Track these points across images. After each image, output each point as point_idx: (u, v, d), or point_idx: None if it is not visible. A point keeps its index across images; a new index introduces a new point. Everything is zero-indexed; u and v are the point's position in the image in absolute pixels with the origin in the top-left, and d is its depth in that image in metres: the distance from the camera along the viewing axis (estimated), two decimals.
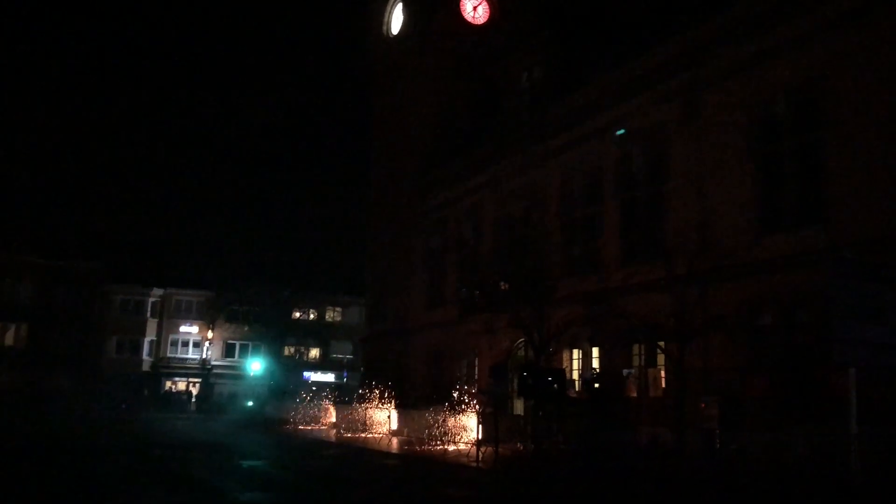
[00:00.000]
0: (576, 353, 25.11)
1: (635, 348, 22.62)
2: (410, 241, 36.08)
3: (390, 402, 30.67)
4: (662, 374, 21.31)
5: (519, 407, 26.58)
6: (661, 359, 21.19)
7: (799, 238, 17.64)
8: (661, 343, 19.81)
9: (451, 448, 23.20)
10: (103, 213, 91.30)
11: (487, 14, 36.94)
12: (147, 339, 61.36)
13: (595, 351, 24.13)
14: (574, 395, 23.49)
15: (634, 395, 22.14)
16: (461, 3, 36.76)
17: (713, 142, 20.42)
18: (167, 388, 61.15)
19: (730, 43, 20.22)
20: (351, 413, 32.92)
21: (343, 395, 39.44)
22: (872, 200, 16.30)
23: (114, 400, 52.06)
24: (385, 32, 40.39)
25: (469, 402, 24.87)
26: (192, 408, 57.07)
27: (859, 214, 16.48)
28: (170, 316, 62.03)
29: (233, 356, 62.92)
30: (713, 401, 17.87)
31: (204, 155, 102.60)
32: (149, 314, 61.48)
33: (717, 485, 14.84)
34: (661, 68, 22.41)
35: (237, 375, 60.95)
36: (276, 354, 60.92)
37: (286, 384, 56.88)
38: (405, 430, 28.54)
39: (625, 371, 22.67)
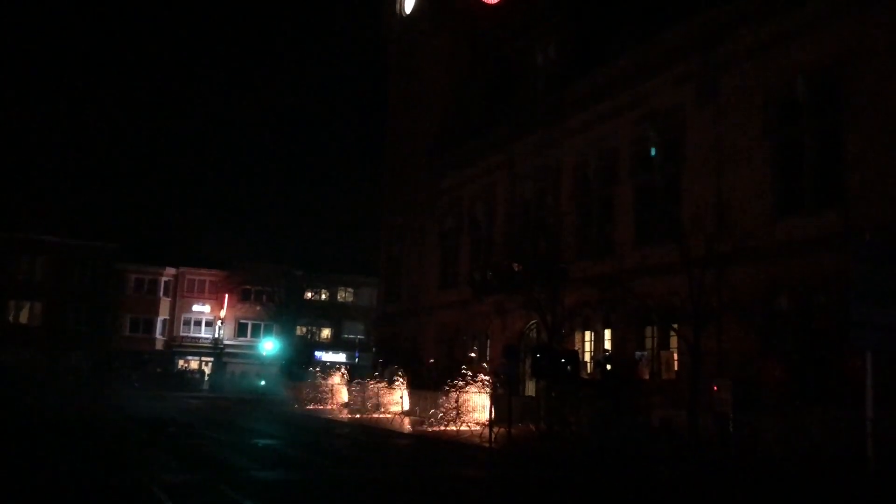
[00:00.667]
0: (588, 336, 25.08)
1: (648, 331, 22.58)
2: (424, 221, 36.06)
3: (403, 382, 30.80)
4: (675, 356, 21.26)
5: (531, 388, 26.62)
6: (674, 341, 21.14)
7: (817, 221, 17.49)
8: (675, 325, 19.74)
9: (464, 428, 23.29)
10: (118, 193, 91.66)
11: None
12: (160, 318, 61.77)
13: (608, 333, 24.09)
14: (587, 377, 23.49)
15: (647, 377, 22.11)
16: None
17: (730, 124, 20.22)
18: (180, 366, 61.63)
19: (748, 24, 19.96)
20: (363, 393, 33.06)
21: (355, 375, 39.62)
22: (891, 183, 16.12)
23: (127, 378, 52.59)
24: (399, 12, 40.17)
25: (481, 383, 24.93)
26: (205, 386, 57.55)
27: (878, 198, 16.30)
28: (183, 295, 62.37)
29: (245, 336, 63.28)
30: (727, 384, 17.78)
31: (219, 134, 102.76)
32: (162, 293, 61.84)
33: (731, 469, 14.83)
34: (678, 49, 22.17)
35: (249, 355, 61.33)
36: (288, 334, 61.20)
37: (298, 364, 57.19)
38: (417, 410, 28.67)
39: (637, 353, 22.63)
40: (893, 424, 13.53)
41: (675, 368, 21.17)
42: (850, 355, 15.44)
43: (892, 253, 14.05)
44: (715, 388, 17.92)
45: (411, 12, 38.94)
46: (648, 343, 22.54)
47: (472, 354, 30.57)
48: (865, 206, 16.46)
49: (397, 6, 40.28)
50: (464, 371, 26.06)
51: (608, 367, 23.33)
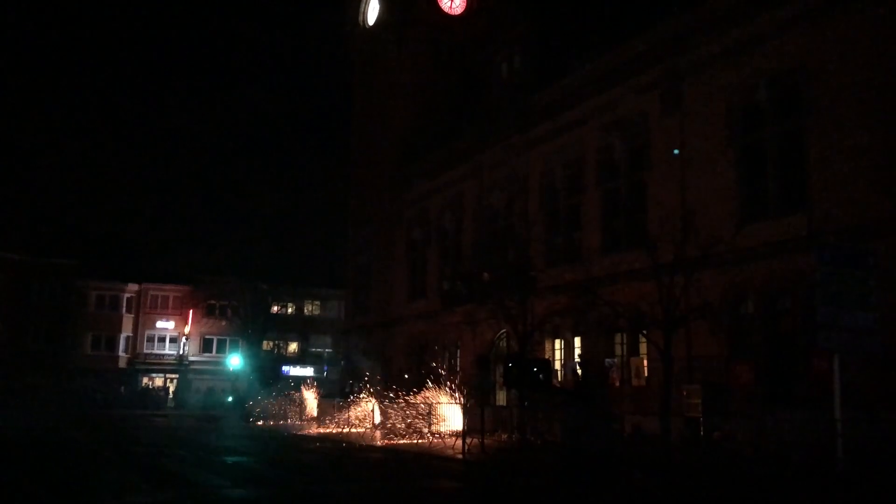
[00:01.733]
0: (559, 344, 25.14)
1: (618, 337, 22.70)
2: (392, 232, 35.92)
3: (373, 395, 30.51)
4: (645, 362, 21.38)
5: (502, 398, 26.58)
6: (643, 347, 21.27)
7: (782, 225, 17.75)
8: (645, 332, 19.85)
9: (436, 440, 23.13)
10: (78, 209, 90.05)
11: (464, 4, 36.76)
12: (123, 335, 60.59)
13: (577, 341, 24.17)
14: (558, 385, 23.51)
15: (618, 384, 22.21)
16: None
17: (695, 130, 20.47)
18: (144, 384, 60.48)
19: (710, 32, 20.25)
20: (333, 407, 32.71)
21: (324, 389, 39.22)
22: (855, 187, 16.41)
23: (90, 397, 51.45)
24: (362, 23, 40.08)
25: (453, 394, 24.80)
26: (171, 404, 56.53)
27: (841, 201, 16.59)
28: (146, 311, 61.28)
29: (210, 351, 62.33)
30: (696, 389, 17.94)
31: (179, 149, 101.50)
32: (124, 310, 60.68)
33: (703, 471, 14.89)
34: (641, 58, 22.42)
35: (216, 371, 60.40)
36: (255, 349, 60.41)
37: (266, 379, 56.48)
38: (388, 423, 28.40)
39: (607, 361, 22.73)
40: (861, 425, 13.72)
41: (646, 374, 21.29)
42: (816, 357, 15.63)
43: (855, 255, 14.29)
44: (685, 392, 18.06)
45: (374, 23, 38.88)
46: (618, 350, 22.65)
47: (443, 365, 30.39)
48: (829, 210, 16.74)
49: (360, 17, 40.19)
50: (435, 382, 25.90)
51: (579, 374, 23.40)
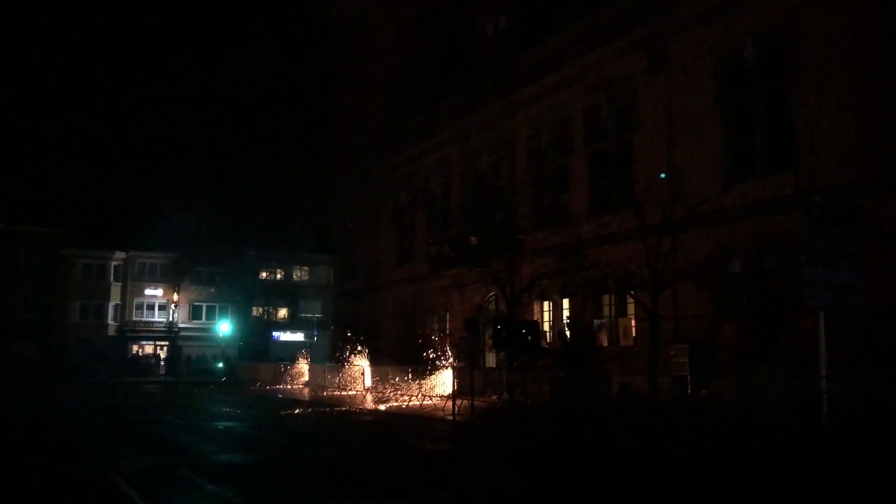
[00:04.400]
0: (547, 306, 25.24)
1: (605, 298, 22.80)
2: (378, 196, 35.77)
3: (363, 359, 30.67)
4: (633, 323, 21.52)
5: (491, 360, 26.75)
6: (631, 308, 21.38)
7: (769, 184, 17.75)
8: (632, 292, 19.94)
9: (427, 402, 23.31)
10: (61, 176, 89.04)
11: None
12: (111, 304, 60.43)
13: (566, 302, 24.27)
14: (547, 347, 23.66)
15: (605, 344, 22.37)
16: None
17: (681, 90, 20.35)
18: (134, 352, 60.54)
19: None
20: (324, 371, 32.88)
21: (314, 354, 39.38)
22: (841, 145, 16.39)
23: (80, 365, 51.48)
24: None
25: (442, 356, 24.93)
26: (161, 371, 56.66)
27: (828, 159, 16.58)
28: (134, 279, 61.08)
29: (200, 318, 62.34)
30: (684, 348, 18.05)
31: (164, 113, 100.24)
32: (112, 278, 60.44)
33: (690, 429, 15.08)
34: (627, 16, 22.19)
35: (205, 337, 60.52)
36: (244, 315, 60.48)
37: (256, 344, 56.65)
38: (379, 386, 28.62)
39: (596, 321, 22.86)
40: (846, 382, 13.88)
41: (633, 335, 21.44)
42: (802, 316, 15.76)
43: (842, 214, 14.33)
44: (672, 352, 18.19)
45: None
46: (606, 311, 22.78)
47: (432, 329, 30.52)
48: (816, 168, 16.75)
49: None
50: (424, 345, 26.02)
51: (567, 335, 23.54)
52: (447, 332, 29.55)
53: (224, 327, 59.06)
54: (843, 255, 13.83)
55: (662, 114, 20.83)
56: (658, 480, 11.12)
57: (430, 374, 24.96)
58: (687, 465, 12.35)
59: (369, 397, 26.98)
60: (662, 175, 19.72)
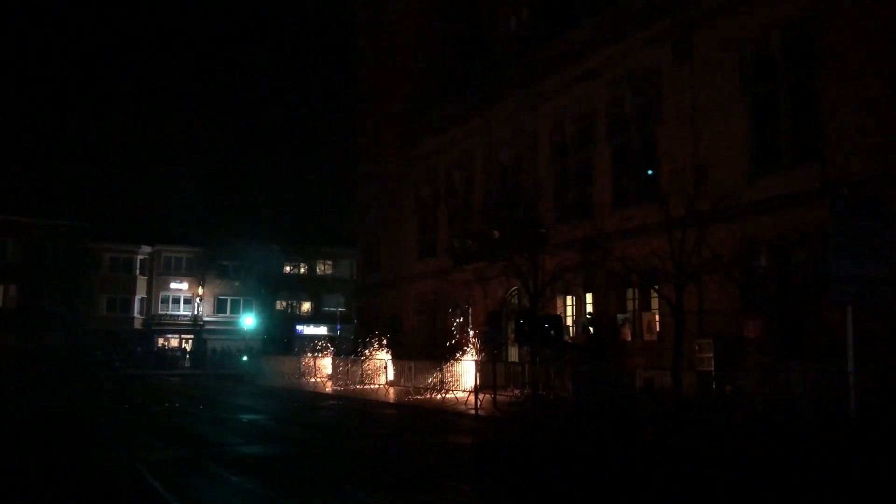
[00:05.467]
0: (570, 300, 25.12)
1: (629, 293, 22.64)
2: (400, 190, 35.79)
3: (386, 353, 30.74)
4: (657, 317, 21.36)
5: (514, 354, 26.69)
6: (655, 302, 21.23)
7: (794, 177, 17.52)
8: (656, 286, 19.80)
9: (449, 396, 23.33)
10: (89, 171, 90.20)
11: None
12: (137, 297, 61.14)
13: (589, 296, 24.14)
14: (570, 341, 23.58)
15: (629, 339, 22.23)
16: None
17: (707, 82, 20.13)
18: (160, 345, 61.24)
19: None
20: (347, 365, 33.00)
21: (337, 347, 39.54)
22: (868, 138, 16.13)
23: (106, 358, 52.15)
24: None
25: (465, 350, 24.92)
26: (186, 364, 57.25)
27: (855, 152, 16.33)
28: (159, 273, 61.75)
29: (224, 312, 62.90)
30: (708, 343, 17.92)
31: (191, 109, 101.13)
32: (138, 272, 61.15)
33: (715, 424, 14.96)
34: (651, 7, 21.97)
35: (230, 331, 61.07)
36: (268, 309, 60.96)
37: (279, 338, 57.06)
38: (402, 380, 28.67)
39: (619, 316, 22.71)
40: (873, 377, 13.69)
41: (657, 329, 21.28)
42: (829, 310, 15.55)
43: (868, 206, 14.13)
44: (696, 346, 18.06)
45: None
46: (630, 305, 22.62)
47: (455, 322, 30.50)
48: (842, 161, 16.50)
49: None
50: (447, 339, 26.03)
51: (591, 330, 23.42)
52: (469, 326, 29.53)
53: (248, 321, 59.53)
54: (870, 248, 13.66)
55: (687, 106, 20.62)
56: (681, 476, 11.05)
57: (453, 368, 24.95)
58: (711, 461, 12.25)
59: (391, 391, 27.07)
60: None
